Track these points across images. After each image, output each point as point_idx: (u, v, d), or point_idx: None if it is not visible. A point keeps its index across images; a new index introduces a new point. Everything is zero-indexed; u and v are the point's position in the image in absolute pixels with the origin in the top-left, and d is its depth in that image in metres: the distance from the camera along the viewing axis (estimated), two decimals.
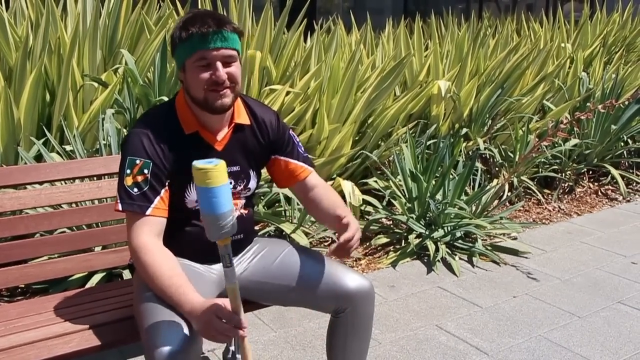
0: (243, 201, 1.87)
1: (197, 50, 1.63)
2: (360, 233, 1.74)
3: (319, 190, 1.92)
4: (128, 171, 1.65)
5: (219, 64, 1.65)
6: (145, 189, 1.64)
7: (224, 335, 1.43)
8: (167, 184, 1.70)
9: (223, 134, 1.78)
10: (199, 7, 4.02)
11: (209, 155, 1.76)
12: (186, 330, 1.52)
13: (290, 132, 1.94)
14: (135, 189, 1.64)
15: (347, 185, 3.64)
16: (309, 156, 1.99)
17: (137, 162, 1.65)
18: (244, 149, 1.83)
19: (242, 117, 1.82)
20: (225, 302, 1.45)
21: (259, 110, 1.88)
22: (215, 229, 1.38)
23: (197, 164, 1.33)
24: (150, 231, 1.63)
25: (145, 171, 1.65)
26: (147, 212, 1.63)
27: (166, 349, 1.45)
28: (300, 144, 1.97)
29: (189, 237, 1.79)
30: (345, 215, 1.78)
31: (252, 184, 1.87)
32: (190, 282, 1.69)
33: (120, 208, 1.64)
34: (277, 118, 1.91)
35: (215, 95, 1.66)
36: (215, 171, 1.32)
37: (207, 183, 1.33)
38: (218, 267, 1.85)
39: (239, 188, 1.83)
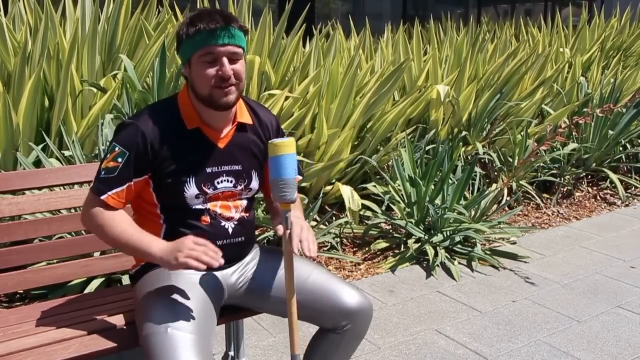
0: (244, 203, 1.86)
1: (204, 46, 1.65)
2: (308, 231, 1.72)
3: None
4: (108, 155, 1.71)
5: (225, 60, 1.67)
6: (111, 175, 1.69)
7: (201, 257, 1.56)
8: (135, 181, 1.71)
9: (226, 132, 1.79)
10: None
11: (210, 152, 1.78)
12: (194, 350, 1.52)
13: None
14: (104, 172, 1.70)
15: (346, 190, 3.63)
16: (297, 163, 2.01)
17: (116, 149, 1.70)
18: (246, 148, 1.83)
19: (245, 117, 1.84)
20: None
21: (261, 112, 1.90)
22: (277, 192, 1.66)
23: (272, 140, 1.66)
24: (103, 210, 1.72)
25: (119, 160, 1.69)
26: (102, 197, 1.69)
27: None
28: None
29: None
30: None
31: (254, 184, 1.86)
32: (192, 294, 1.69)
33: (91, 187, 1.72)
34: (276, 121, 1.94)
35: (220, 92, 1.68)
36: (283, 144, 1.64)
37: (275, 152, 1.64)
38: (221, 272, 1.85)
39: (239, 187, 1.82)
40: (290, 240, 1.68)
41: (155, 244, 1.64)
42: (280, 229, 1.70)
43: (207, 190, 1.77)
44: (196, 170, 1.75)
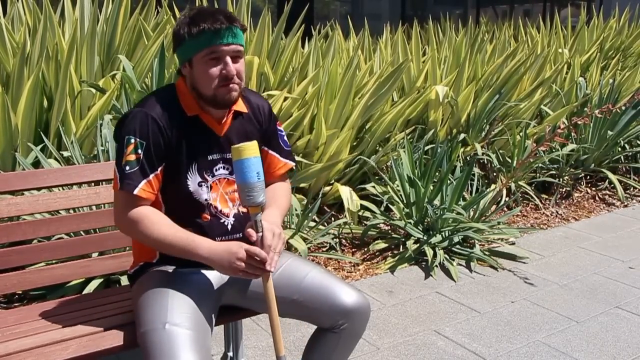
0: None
1: (208, 46, 1.67)
2: (279, 240, 1.68)
3: (273, 187, 1.94)
4: (126, 150, 1.70)
5: (229, 59, 1.70)
6: (136, 168, 1.69)
7: (251, 270, 1.61)
8: (159, 169, 1.72)
9: (224, 120, 1.82)
10: None
11: (210, 139, 1.80)
12: (192, 346, 1.53)
13: (278, 124, 1.98)
14: (127, 167, 1.69)
15: (345, 191, 3.64)
16: (291, 150, 2.02)
17: (132, 141, 1.69)
18: (243, 135, 1.85)
19: (240, 105, 1.86)
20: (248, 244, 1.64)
21: (254, 98, 1.93)
22: (243, 195, 1.63)
23: (236, 145, 1.62)
24: (137, 207, 1.71)
25: (139, 151, 1.69)
26: (135, 192, 1.68)
27: None
28: (285, 137, 2.00)
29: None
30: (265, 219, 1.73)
31: None
32: (189, 292, 1.69)
33: (119, 187, 1.69)
34: (269, 107, 1.96)
35: (224, 91, 1.71)
36: (243, 147, 1.61)
37: (236, 156, 1.61)
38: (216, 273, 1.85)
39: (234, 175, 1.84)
40: (262, 246, 1.64)
41: (202, 246, 1.66)
42: (251, 233, 1.65)
43: (207, 177, 1.79)
44: (198, 157, 1.78)
